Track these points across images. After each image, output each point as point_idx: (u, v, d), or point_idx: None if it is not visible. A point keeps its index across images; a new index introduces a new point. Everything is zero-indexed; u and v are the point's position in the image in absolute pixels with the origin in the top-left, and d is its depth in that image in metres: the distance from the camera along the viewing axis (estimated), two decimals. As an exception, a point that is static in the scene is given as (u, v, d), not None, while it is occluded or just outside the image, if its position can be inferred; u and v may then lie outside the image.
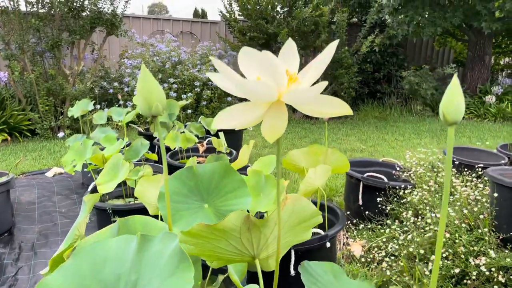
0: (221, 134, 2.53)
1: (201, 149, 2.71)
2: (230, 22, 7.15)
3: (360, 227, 2.29)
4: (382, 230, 2.13)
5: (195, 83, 5.96)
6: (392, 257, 1.93)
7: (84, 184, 3.35)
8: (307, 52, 6.90)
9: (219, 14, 7.44)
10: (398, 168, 2.52)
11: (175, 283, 0.60)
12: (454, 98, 0.51)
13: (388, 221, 2.13)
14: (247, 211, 1.17)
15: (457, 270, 1.65)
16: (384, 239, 2.05)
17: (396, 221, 2.15)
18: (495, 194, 1.73)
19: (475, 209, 1.83)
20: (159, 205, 1.07)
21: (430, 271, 1.73)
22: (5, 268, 2.06)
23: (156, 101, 0.62)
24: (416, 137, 5.45)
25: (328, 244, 1.57)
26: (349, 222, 2.39)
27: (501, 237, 1.71)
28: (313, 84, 0.61)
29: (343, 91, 7.06)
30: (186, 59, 6.23)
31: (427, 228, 1.85)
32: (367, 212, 2.31)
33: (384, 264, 1.89)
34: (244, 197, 1.12)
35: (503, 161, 2.45)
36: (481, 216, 1.80)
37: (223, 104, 6.13)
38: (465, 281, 1.69)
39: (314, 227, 1.50)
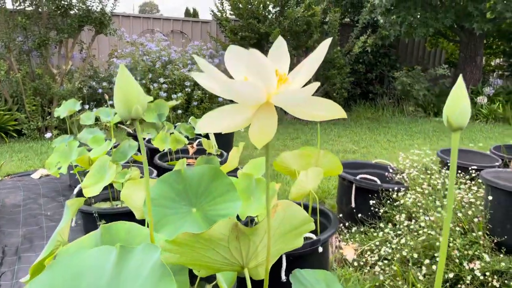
0: (211, 135, 2.48)
1: (191, 151, 2.66)
2: (221, 21, 7.10)
3: (353, 230, 2.26)
4: (375, 233, 2.09)
5: (185, 83, 5.90)
6: (385, 261, 1.89)
7: (71, 186, 3.28)
8: (299, 52, 6.87)
9: (211, 13, 7.38)
10: (391, 170, 2.49)
11: (156, 300, 0.55)
12: (459, 101, 0.47)
13: (381, 224, 2.10)
14: (237, 215, 1.13)
15: (451, 275, 1.62)
16: (377, 243, 2.02)
17: (389, 224, 2.12)
18: (490, 197, 1.70)
19: (469, 212, 1.80)
20: (145, 210, 1.02)
21: (424, 276, 1.70)
22: (-13, 274, 1.99)
23: (136, 103, 0.57)
24: (409, 138, 5.45)
25: (320, 249, 1.53)
26: (341, 225, 2.35)
27: (495, 241, 1.68)
28: (304, 85, 0.57)
29: (335, 91, 7.04)
30: (177, 59, 6.16)
31: (420, 232, 1.82)
32: (359, 215, 2.27)
33: (377, 268, 1.85)
34: (233, 201, 1.08)
35: (497, 163, 2.43)
36: (475, 219, 1.77)
37: (214, 105, 6.08)
38: (459, 285, 1.66)
39: (306, 232, 1.46)
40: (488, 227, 1.74)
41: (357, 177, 2.34)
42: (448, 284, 1.66)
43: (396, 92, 7.81)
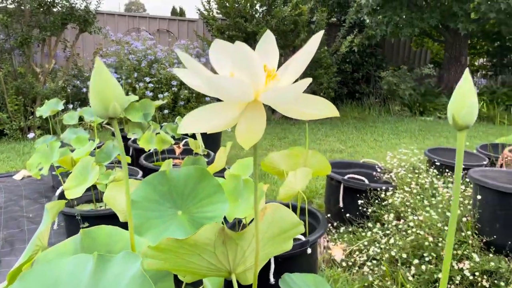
0: (198, 135, 2.44)
1: (178, 151, 2.61)
2: (208, 20, 7.04)
3: (341, 230, 2.24)
4: (363, 233, 2.08)
5: (172, 82, 5.82)
6: (374, 261, 1.88)
7: (55, 187, 3.20)
8: (286, 52, 6.85)
9: (197, 12, 7.31)
10: (379, 170, 2.48)
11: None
12: (465, 98, 0.43)
13: (370, 224, 2.08)
14: (224, 217, 1.09)
15: (440, 275, 1.60)
16: (366, 243, 2.00)
17: (378, 223, 2.11)
18: (478, 196, 1.70)
19: (458, 211, 1.79)
20: (128, 213, 0.98)
21: (413, 276, 1.68)
22: (-36, 279, 1.91)
23: (113, 100, 0.53)
24: (395, 137, 5.47)
25: (309, 250, 1.50)
26: (329, 224, 2.33)
27: (484, 240, 1.67)
28: (294, 82, 0.54)
29: (322, 91, 7.04)
30: (163, 58, 6.09)
31: (409, 231, 1.81)
32: (348, 215, 2.26)
33: (365, 268, 1.84)
34: (221, 203, 1.04)
35: (484, 162, 2.43)
36: (464, 219, 1.76)
37: (201, 104, 6.02)
38: (448, 285, 1.65)
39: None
40: (476, 226, 1.73)
41: (345, 177, 2.33)
42: (437, 284, 1.64)
43: (382, 91, 7.85)
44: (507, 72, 8.49)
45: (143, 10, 33.37)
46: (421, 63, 9.37)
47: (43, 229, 1.00)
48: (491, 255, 1.64)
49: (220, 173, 1.65)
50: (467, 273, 1.55)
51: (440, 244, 1.69)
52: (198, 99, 6.01)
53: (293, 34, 6.70)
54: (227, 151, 1.62)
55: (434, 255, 1.67)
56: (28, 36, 4.97)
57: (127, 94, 5.28)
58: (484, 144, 2.94)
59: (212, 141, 3.70)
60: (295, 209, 1.67)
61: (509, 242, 1.62)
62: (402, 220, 1.92)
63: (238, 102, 0.52)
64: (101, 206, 2.13)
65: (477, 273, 1.56)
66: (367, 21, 7.11)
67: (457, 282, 1.57)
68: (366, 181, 2.32)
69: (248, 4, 6.56)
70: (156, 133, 2.57)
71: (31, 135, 4.74)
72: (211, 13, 7.07)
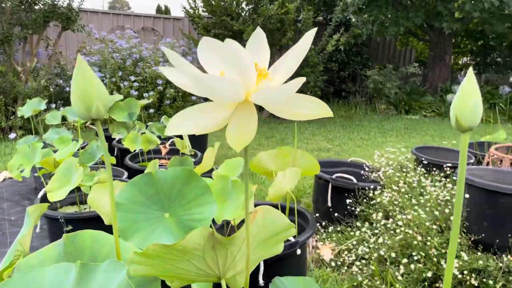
0: (184, 135, 2.40)
1: (164, 151, 2.57)
2: (194, 18, 6.98)
3: (330, 230, 2.23)
4: (352, 233, 2.07)
5: (157, 81, 5.75)
6: (363, 261, 1.87)
7: (37, 189, 3.12)
8: (273, 51, 6.83)
9: (183, 10, 7.25)
10: (366, 169, 2.48)
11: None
12: (469, 98, 0.41)
13: (358, 223, 2.08)
14: (213, 219, 1.07)
15: (429, 274, 1.61)
16: (354, 242, 2.00)
17: (366, 223, 2.10)
18: (466, 195, 1.70)
19: (446, 210, 1.80)
20: (112, 216, 0.95)
21: (402, 275, 1.68)
22: None
23: (96, 101, 0.50)
24: (381, 136, 5.50)
25: (298, 251, 1.49)
26: (318, 224, 2.32)
27: (472, 239, 1.68)
28: (286, 81, 0.51)
29: (309, 90, 7.04)
30: (148, 56, 6.01)
31: (397, 230, 1.81)
32: (336, 214, 2.25)
33: (354, 268, 1.83)
34: (209, 205, 1.02)
35: (471, 161, 2.45)
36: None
37: (187, 103, 5.96)
38: (437, 284, 1.66)
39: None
40: (464, 225, 1.74)
41: (333, 176, 2.32)
42: (426, 283, 1.65)
43: (368, 90, 7.89)
44: (490, 70, 8.61)
45: (127, 8, 33.00)
46: (406, 62, 9.46)
47: (24, 233, 0.96)
48: (479, 253, 1.65)
49: (208, 173, 1.62)
50: (455, 271, 1.56)
51: (428, 243, 1.69)
52: (184, 98, 5.95)
53: (280, 32, 6.69)
54: (215, 151, 1.59)
55: (423, 254, 1.67)
56: (9, 34, 4.85)
57: (111, 93, 5.20)
58: (470, 142, 2.96)
59: (199, 141, 3.67)
60: (283, 209, 1.65)
61: (497, 240, 1.63)
62: (390, 219, 1.92)
63: (229, 102, 0.49)
64: (85, 209, 2.08)
65: (465, 272, 1.57)
66: (353, 20, 7.13)
67: (446, 280, 1.58)
68: (355, 180, 2.32)
69: (234, 2, 6.53)
70: (142, 133, 2.52)
71: (12, 135, 4.63)
72: (196, 11, 7.01)
